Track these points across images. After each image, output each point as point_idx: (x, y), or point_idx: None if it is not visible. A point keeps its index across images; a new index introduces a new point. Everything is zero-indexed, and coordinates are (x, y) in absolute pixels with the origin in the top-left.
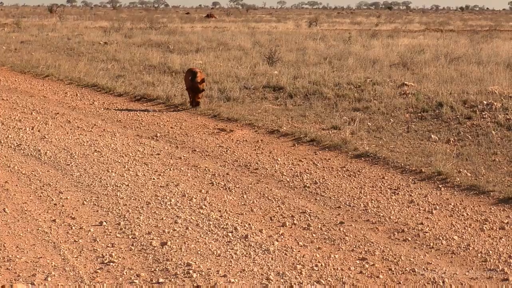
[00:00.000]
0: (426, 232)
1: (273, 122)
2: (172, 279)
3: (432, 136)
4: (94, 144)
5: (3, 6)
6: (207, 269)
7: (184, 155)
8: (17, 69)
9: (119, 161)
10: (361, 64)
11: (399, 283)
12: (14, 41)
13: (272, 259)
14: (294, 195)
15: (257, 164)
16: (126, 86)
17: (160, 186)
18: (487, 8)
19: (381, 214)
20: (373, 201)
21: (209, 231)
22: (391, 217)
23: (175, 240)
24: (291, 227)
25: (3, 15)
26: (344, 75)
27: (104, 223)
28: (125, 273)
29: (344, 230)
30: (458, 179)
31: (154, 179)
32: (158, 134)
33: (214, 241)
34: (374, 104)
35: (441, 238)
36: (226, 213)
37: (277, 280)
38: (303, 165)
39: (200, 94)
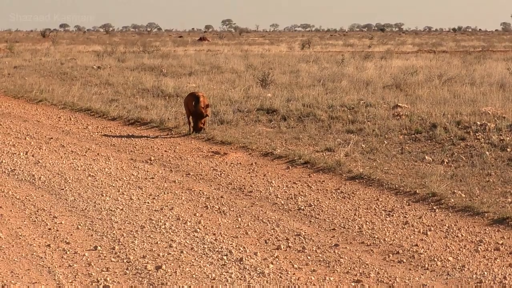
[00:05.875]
0: (421, 254)
1: (267, 145)
2: None
3: (426, 157)
4: (88, 169)
5: None
6: None
7: (178, 179)
8: (11, 94)
9: (113, 185)
10: (354, 86)
11: None
12: (7, 66)
13: (267, 282)
14: (289, 217)
15: (251, 187)
16: (119, 110)
17: (155, 210)
18: (480, 29)
19: (376, 236)
20: (367, 223)
21: (204, 254)
22: (386, 238)
23: (170, 264)
24: (286, 249)
25: None
26: (337, 97)
27: (99, 247)
28: None
29: (339, 252)
30: (452, 200)
31: (148, 203)
32: (152, 158)
33: (209, 265)
34: (368, 126)
35: (436, 259)
36: (221, 236)
37: None
38: (297, 187)
39: (204, 120)
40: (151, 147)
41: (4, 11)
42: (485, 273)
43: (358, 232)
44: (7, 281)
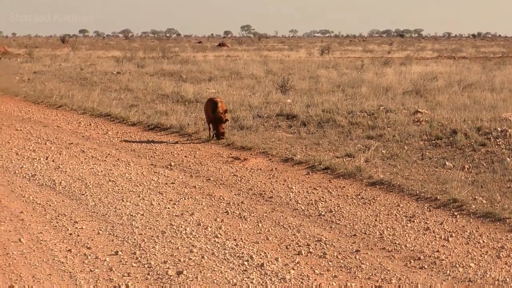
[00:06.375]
0: (443, 260)
1: (287, 151)
2: None
3: (447, 163)
4: (108, 174)
5: (16, 36)
6: None
7: (199, 184)
8: (31, 100)
9: (134, 190)
10: (374, 91)
11: None
12: (27, 71)
13: (288, 287)
14: (310, 223)
15: (272, 192)
16: (139, 116)
17: (175, 215)
18: (500, 35)
19: (397, 242)
20: (388, 229)
21: (225, 259)
22: (407, 244)
23: (191, 269)
24: (307, 255)
25: (16, 46)
26: (357, 103)
27: (120, 252)
28: None
29: (360, 258)
30: (473, 206)
31: (169, 208)
32: (172, 163)
33: (230, 270)
34: (388, 131)
35: (457, 265)
36: (242, 241)
37: None
38: (318, 193)
39: (224, 125)
40: (171, 152)
41: (4, 11)
42: (507, 279)
43: (379, 238)
44: (29, 286)
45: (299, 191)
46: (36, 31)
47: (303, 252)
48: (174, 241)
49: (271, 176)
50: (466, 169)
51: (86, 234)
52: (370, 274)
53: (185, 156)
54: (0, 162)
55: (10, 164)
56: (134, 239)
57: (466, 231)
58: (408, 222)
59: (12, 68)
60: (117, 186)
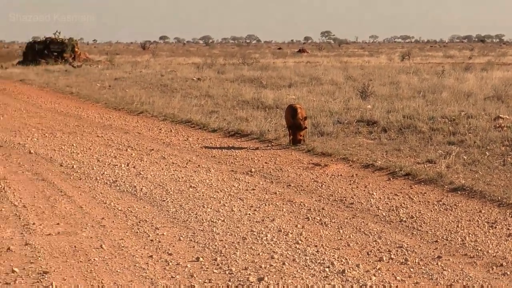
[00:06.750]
0: None
1: (367, 156)
2: None
3: None
4: (189, 180)
5: (97, 43)
6: None
7: (279, 190)
8: (111, 106)
9: (215, 196)
10: (455, 97)
11: None
12: (108, 78)
13: None
14: (391, 229)
15: (353, 198)
16: (219, 122)
17: (256, 221)
18: None
19: (479, 248)
20: (470, 235)
21: (306, 266)
22: (489, 251)
23: (272, 276)
24: (388, 261)
25: (97, 52)
26: (438, 109)
27: (201, 258)
28: None
29: (442, 265)
30: None
31: (249, 214)
32: (253, 169)
33: (311, 276)
34: (469, 137)
35: None
36: (323, 248)
37: None
38: (399, 199)
39: (302, 132)
40: (252, 158)
41: (4, 11)
42: None
43: (461, 244)
44: None
45: (380, 197)
46: (117, 37)
47: (384, 259)
48: (255, 247)
49: (352, 182)
50: None
51: (167, 240)
52: (452, 281)
53: (266, 162)
54: (81, 168)
55: (92, 171)
56: (215, 245)
57: None
58: (490, 228)
59: (93, 75)
60: (197, 192)
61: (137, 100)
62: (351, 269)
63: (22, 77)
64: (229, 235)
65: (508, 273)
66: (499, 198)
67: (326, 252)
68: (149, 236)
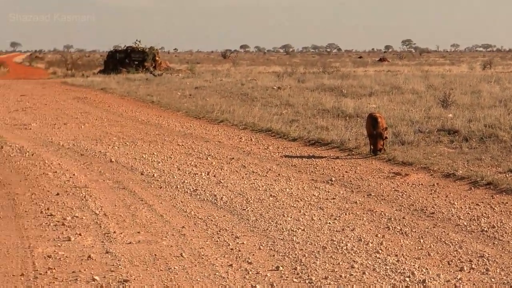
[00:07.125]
0: None
1: (448, 166)
2: None
3: None
4: (269, 189)
5: (178, 52)
6: None
7: (360, 200)
8: (192, 115)
9: (295, 205)
10: None
11: None
12: (189, 86)
13: None
14: (472, 239)
15: (433, 208)
16: (300, 131)
17: (336, 231)
18: None
19: None
20: None
21: (386, 275)
22: None
23: (352, 285)
24: (469, 271)
25: (178, 61)
26: None
27: (281, 267)
28: None
29: None
30: None
31: (329, 223)
32: (333, 179)
33: (392, 286)
34: None
35: None
36: (403, 257)
37: None
38: (480, 208)
39: (382, 141)
40: (332, 167)
41: (4, 11)
42: None
43: None
44: None
45: (461, 207)
46: (197, 46)
47: (465, 268)
48: (335, 256)
49: (433, 191)
50: None
51: (247, 249)
52: None
53: (346, 172)
54: (162, 177)
55: (172, 179)
56: (295, 254)
57: None
58: None
59: (174, 83)
60: (278, 201)
61: (217, 109)
62: (432, 279)
63: (103, 85)
64: (309, 244)
65: None
66: None
67: (407, 262)
68: (229, 245)
